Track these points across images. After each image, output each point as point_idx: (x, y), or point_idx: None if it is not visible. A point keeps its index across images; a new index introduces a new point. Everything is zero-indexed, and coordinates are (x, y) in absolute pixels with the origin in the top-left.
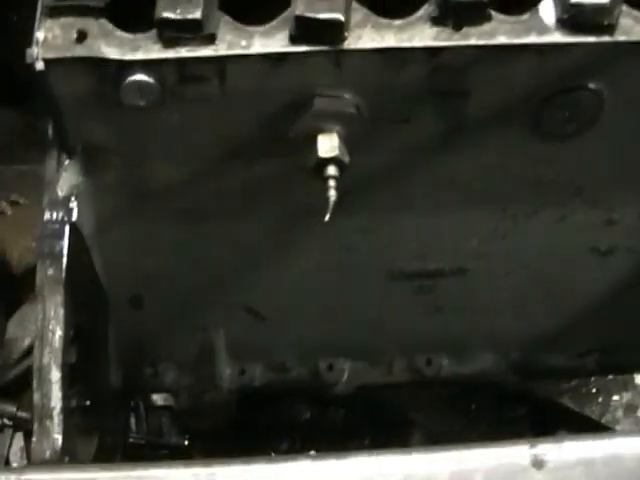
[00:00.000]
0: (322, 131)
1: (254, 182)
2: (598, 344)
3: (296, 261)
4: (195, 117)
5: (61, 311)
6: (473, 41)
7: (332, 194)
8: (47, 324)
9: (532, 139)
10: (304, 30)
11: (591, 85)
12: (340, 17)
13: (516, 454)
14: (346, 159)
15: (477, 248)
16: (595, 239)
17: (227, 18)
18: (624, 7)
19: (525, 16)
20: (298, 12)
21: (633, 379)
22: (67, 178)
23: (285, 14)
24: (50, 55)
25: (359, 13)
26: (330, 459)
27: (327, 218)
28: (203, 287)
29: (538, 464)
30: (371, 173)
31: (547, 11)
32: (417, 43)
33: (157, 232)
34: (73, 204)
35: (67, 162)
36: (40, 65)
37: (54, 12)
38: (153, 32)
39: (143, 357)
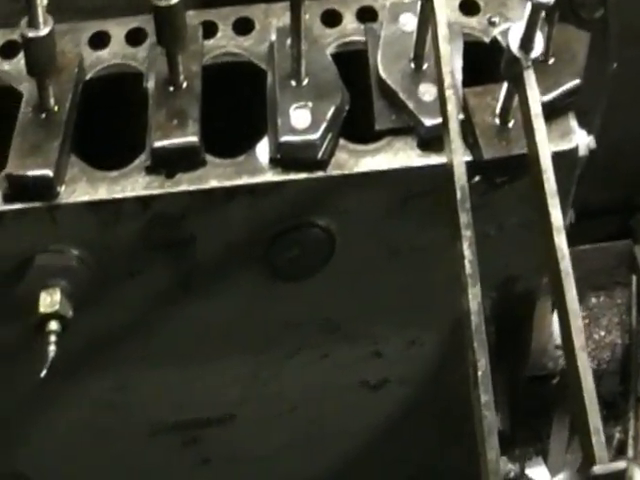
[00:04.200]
0: (46, 287)
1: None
2: None
3: (54, 423)
4: None
5: None
6: (184, 187)
7: (51, 349)
8: None
9: (269, 280)
10: (16, 188)
11: (318, 222)
12: (49, 173)
13: None
14: (68, 313)
15: (241, 394)
16: (363, 374)
17: None
18: (341, 141)
19: (240, 158)
20: (8, 170)
21: None
22: None
23: (2, 173)
24: None
25: (75, 167)
26: None
27: (43, 374)
28: None
29: None
30: (115, 328)
31: (263, 151)
32: (128, 193)
33: None
34: None
35: None
36: None
37: None
38: None
39: None
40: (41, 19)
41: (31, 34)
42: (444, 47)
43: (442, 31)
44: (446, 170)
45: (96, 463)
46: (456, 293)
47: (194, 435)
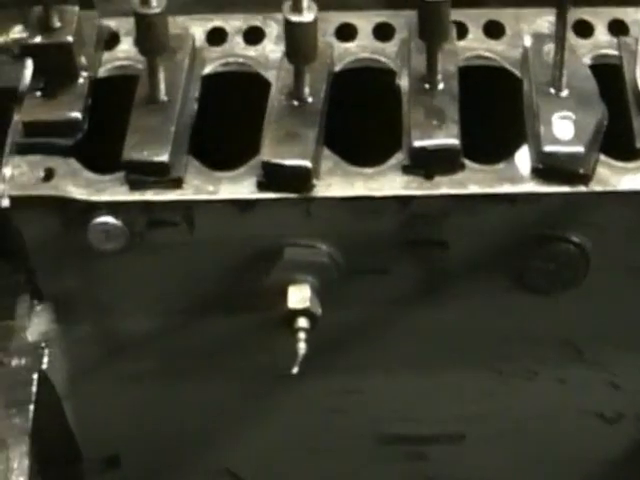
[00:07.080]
0: (293, 281)
1: (226, 337)
2: None
3: (275, 423)
4: (164, 264)
5: (26, 462)
6: (444, 190)
7: (302, 347)
8: (10, 475)
9: (517, 294)
10: (271, 177)
11: (573, 238)
12: (308, 164)
13: None
14: (318, 311)
15: (472, 411)
16: (598, 405)
17: (195, 162)
18: (601, 156)
19: (500, 165)
20: (264, 158)
21: None
22: (38, 324)
23: (254, 160)
24: (15, 192)
25: (329, 160)
26: None
27: (295, 371)
28: (180, 449)
29: None
30: (351, 327)
31: (523, 160)
32: (387, 192)
33: (127, 390)
34: (43, 351)
35: (38, 307)
36: (5, 202)
37: (22, 149)
38: (121, 174)
39: None
40: (305, 3)
41: (295, 18)
42: None
43: None
44: None
45: (314, 470)
46: None
47: (421, 450)
